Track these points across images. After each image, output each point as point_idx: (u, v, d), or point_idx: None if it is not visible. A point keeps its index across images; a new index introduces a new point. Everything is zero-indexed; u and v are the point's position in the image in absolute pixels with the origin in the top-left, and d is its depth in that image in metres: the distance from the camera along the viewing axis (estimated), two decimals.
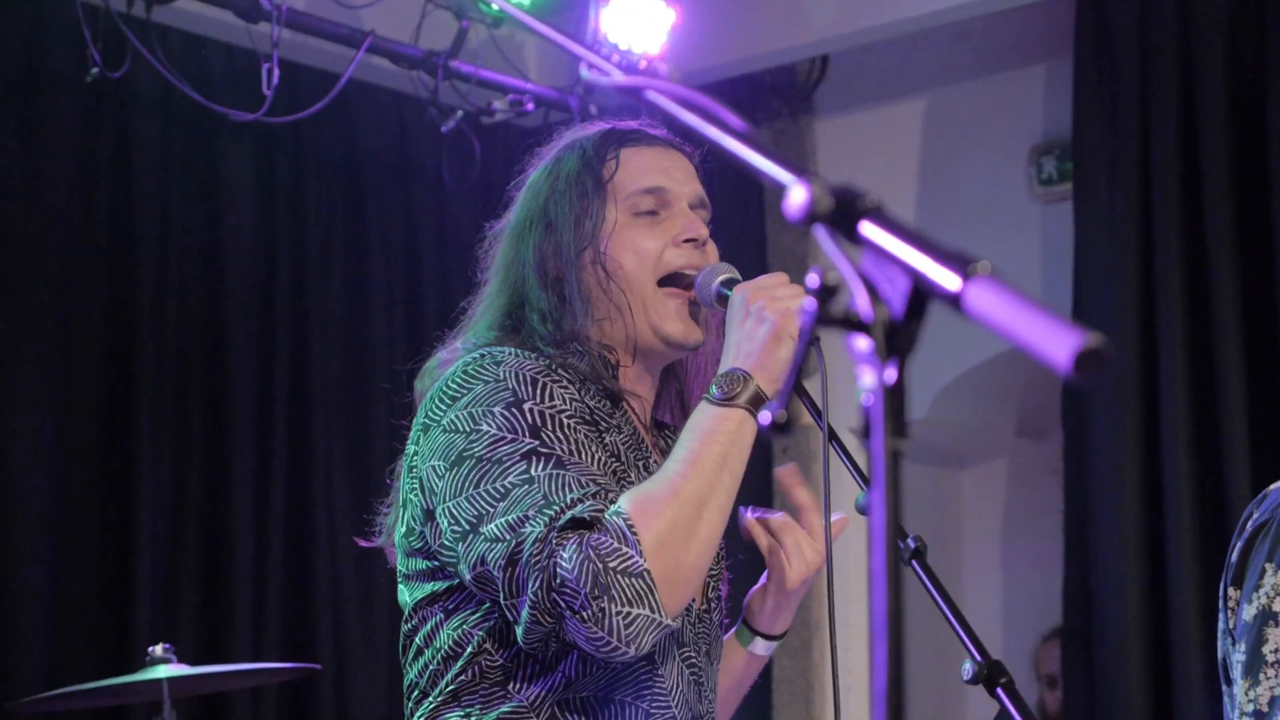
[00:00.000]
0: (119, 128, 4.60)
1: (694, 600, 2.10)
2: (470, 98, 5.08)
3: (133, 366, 4.52)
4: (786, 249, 5.39)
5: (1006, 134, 5.23)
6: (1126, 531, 4.43)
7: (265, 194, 4.92)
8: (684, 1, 4.94)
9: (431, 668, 2.03)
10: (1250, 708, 2.04)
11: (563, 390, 2.00)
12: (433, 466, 1.97)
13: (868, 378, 0.96)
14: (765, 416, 1.13)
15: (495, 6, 4.78)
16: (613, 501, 1.88)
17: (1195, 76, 4.49)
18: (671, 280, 2.12)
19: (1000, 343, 1.08)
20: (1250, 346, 4.35)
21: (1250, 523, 2.16)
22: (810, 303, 1.00)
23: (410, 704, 2.08)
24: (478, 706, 1.99)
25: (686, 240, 2.12)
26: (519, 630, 1.87)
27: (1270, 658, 2.04)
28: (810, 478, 4.90)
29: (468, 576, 1.93)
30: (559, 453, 1.92)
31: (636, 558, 1.82)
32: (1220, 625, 2.19)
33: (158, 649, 3.47)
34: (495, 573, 1.87)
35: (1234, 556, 2.16)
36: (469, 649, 1.99)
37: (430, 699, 2.03)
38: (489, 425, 1.94)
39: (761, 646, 2.26)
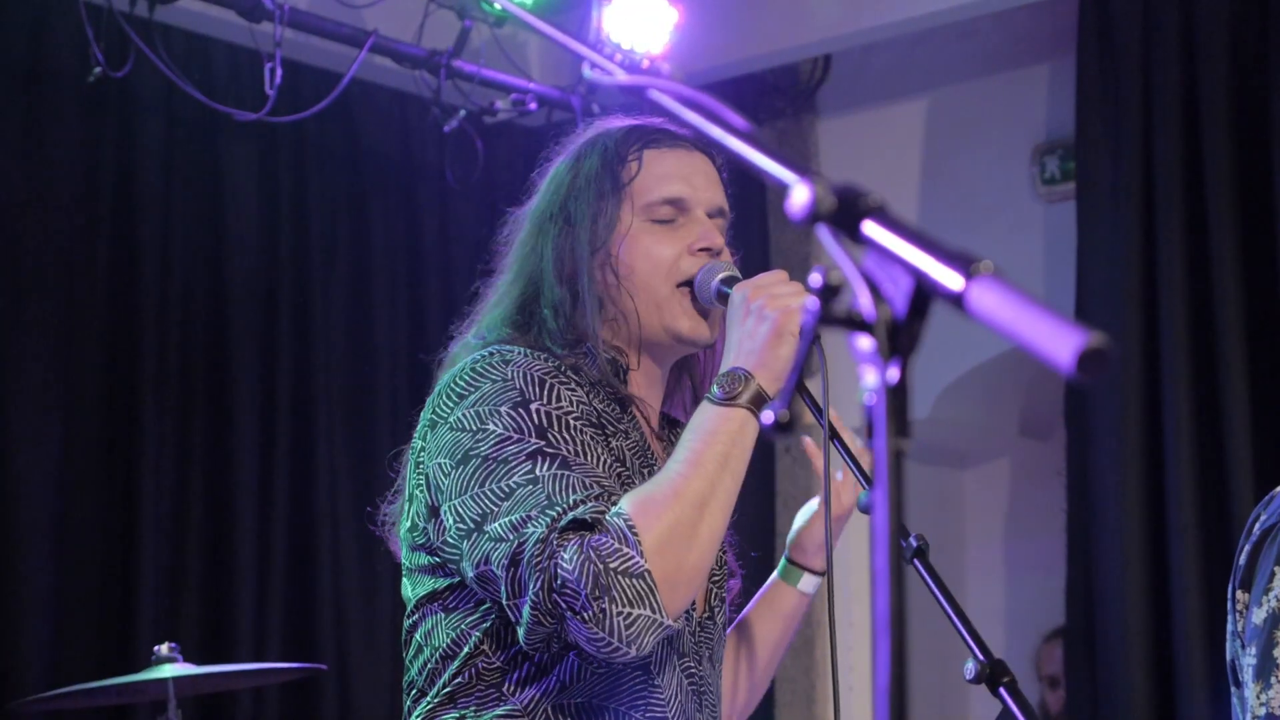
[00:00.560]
0: (122, 127, 4.60)
1: (695, 607, 2.10)
2: (473, 97, 5.08)
3: (135, 366, 4.53)
4: (789, 248, 5.39)
5: (1009, 133, 5.22)
6: (1129, 531, 4.42)
7: (268, 193, 4.92)
8: (687, 1, 4.94)
9: (430, 666, 2.04)
10: (1263, 711, 2.04)
11: (570, 392, 2.00)
12: (439, 464, 1.98)
13: (870, 377, 0.97)
14: (767, 416, 1.12)
15: (498, 6, 4.78)
16: (615, 504, 1.88)
17: (1198, 76, 4.48)
18: (683, 286, 2.12)
19: (1003, 342, 1.08)
20: (1254, 346, 4.34)
21: (1258, 525, 2.15)
22: (813, 302, 1.00)
23: (409, 702, 2.09)
24: (473, 708, 1.99)
25: (701, 249, 2.12)
26: (521, 631, 1.87)
27: None
28: (810, 477, 4.91)
29: (470, 575, 1.94)
30: (564, 454, 1.92)
31: (637, 558, 1.83)
32: (1228, 628, 2.18)
33: (163, 648, 3.46)
34: (498, 572, 1.88)
35: (1242, 559, 2.15)
36: (466, 649, 2.00)
37: (428, 699, 2.04)
38: (496, 424, 1.94)
39: (810, 584, 2.29)
